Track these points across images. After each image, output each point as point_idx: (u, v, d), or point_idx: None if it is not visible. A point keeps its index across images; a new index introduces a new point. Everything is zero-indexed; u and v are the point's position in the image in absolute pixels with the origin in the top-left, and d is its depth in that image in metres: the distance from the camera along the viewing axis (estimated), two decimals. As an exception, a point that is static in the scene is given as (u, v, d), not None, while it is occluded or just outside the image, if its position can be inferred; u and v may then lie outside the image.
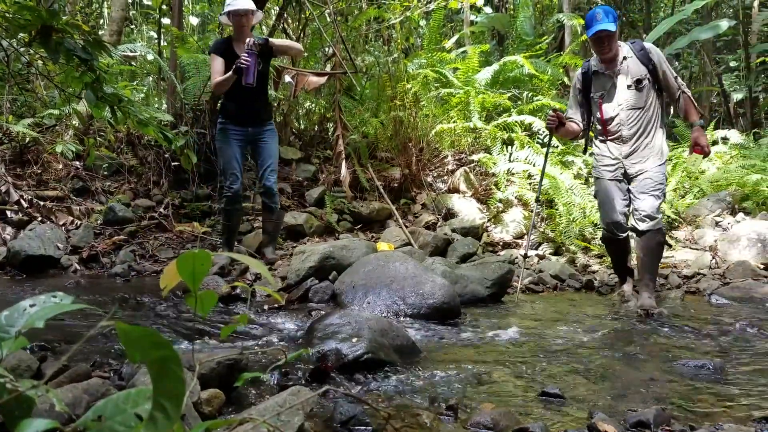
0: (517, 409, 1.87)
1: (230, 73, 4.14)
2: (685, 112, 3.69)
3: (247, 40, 4.14)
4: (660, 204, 3.72)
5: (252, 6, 4.32)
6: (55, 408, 1.26)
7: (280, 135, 5.58)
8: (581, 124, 3.93)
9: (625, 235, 3.84)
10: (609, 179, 3.79)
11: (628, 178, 3.76)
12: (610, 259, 4.16)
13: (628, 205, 3.79)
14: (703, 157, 3.93)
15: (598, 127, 3.86)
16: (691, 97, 3.68)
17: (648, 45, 3.73)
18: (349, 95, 6.74)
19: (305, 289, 3.69)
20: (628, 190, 3.77)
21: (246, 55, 4.06)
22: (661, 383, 2.20)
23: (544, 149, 6.12)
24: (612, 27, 3.54)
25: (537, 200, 4.42)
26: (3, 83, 5.60)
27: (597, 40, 3.60)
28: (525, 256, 4.35)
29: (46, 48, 2.26)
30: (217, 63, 4.25)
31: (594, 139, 3.97)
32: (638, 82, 3.64)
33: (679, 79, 3.72)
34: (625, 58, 3.66)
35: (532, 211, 5.76)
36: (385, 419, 1.65)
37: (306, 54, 6.29)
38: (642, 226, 3.66)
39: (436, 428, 1.69)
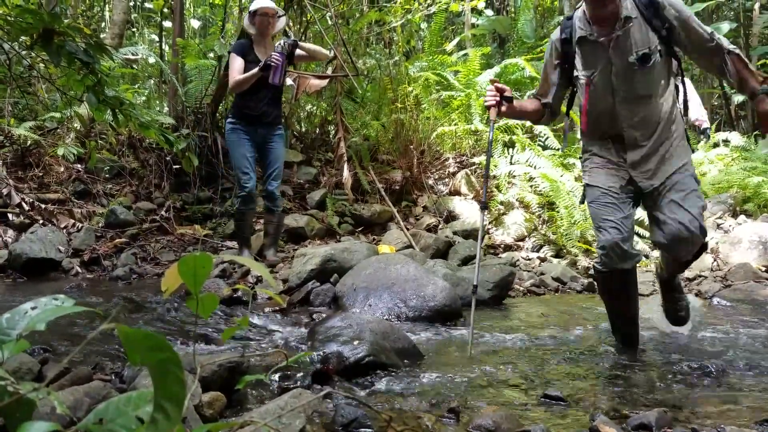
0: (518, 411, 1.86)
1: (255, 70, 4.16)
2: (738, 78, 2.39)
3: (280, 41, 4.21)
4: (702, 212, 2.50)
5: (278, 8, 4.37)
6: (56, 411, 1.26)
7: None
8: (549, 105, 2.76)
9: (631, 265, 2.55)
10: (606, 188, 2.56)
11: (637, 193, 2.58)
12: (605, 304, 2.77)
13: (632, 228, 2.58)
14: None
15: (580, 120, 2.69)
16: (744, 57, 2.41)
17: None
18: (350, 98, 6.75)
19: (306, 291, 3.69)
20: (634, 205, 2.60)
21: (277, 54, 4.11)
22: (663, 386, 2.20)
23: (545, 151, 6.19)
24: None
25: (485, 177, 3.01)
26: (5, 86, 5.62)
27: None
28: (484, 208, 2.92)
29: (48, 51, 2.27)
30: (237, 62, 4.28)
31: (580, 135, 2.88)
32: (644, 58, 2.42)
33: (719, 37, 2.40)
34: (627, 18, 2.41)
35: (533, 213, 5.77)
36: (387, 422, 1.65)
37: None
38: (684, 235, 2.43)
39: (437, 431, 1.69)
